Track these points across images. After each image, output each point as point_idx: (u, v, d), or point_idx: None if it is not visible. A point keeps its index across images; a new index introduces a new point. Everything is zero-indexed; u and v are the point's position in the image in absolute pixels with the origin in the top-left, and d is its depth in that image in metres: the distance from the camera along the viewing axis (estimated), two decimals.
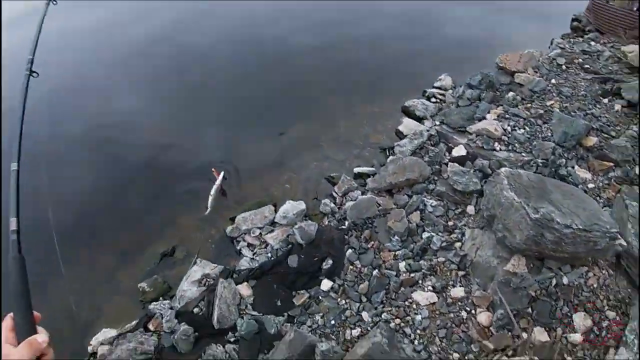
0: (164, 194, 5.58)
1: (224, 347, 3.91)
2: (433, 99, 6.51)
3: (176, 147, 6.22)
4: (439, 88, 6.71)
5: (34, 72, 2.45)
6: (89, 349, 4.11)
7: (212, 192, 5.18)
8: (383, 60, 7.62)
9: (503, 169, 4.31)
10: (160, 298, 4.43)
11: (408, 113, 6.28)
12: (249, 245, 4.76)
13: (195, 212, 5.22)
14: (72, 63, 8.63)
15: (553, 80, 6.34)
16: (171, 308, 4.27)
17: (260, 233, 4.79)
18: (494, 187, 4.20)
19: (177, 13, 10.54)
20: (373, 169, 5.43)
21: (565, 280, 3.68)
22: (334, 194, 5.18)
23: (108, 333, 4.14)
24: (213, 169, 5.35)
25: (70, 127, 6.79)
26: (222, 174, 5.33)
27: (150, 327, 4.14)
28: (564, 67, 6.66)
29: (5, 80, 5.67)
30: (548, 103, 5.88)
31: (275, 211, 4.97)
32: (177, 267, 4.69)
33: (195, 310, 4.23)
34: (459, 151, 5.27)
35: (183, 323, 4.08)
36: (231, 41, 9.08)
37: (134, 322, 4.21)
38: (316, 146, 5.87)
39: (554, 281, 3.68)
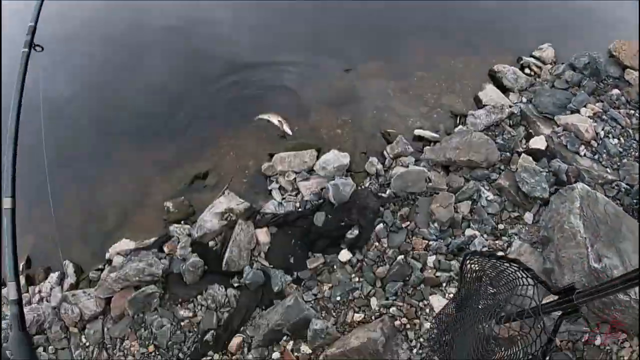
0: (217, 108, 5.25)
1: (226, 290, 3.82)
2: (527, 70, 5.41)
3: (246, 62, 5.66)
4: (537, 59, 5.51)
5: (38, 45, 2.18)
6: (107, 255, 4.18)
7: (271, 116, 4.88)
8: (483, 5, 6.23)
9: (580, 185, 3.60)
10: (182, 221, 4.33)
11: (494, 79, 5.30)
12: (281, 188, 4.44)
13: (240, 137, 4.93)
14: None
15: None
16: (189, 235, 4.16)
17: (295, 178, 4.43)
18: (562, 204, 3.53)
19: None
20: (437, 135, 4.72)
21: (598, 340, 3.11)
22: (385, 153, 4.60)
23: (126, 244, 4.16)
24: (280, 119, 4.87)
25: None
26: (287, 127, 4.84)
27: (165, 249, 4.07)
28: None
29: None
30: None
31: (317, 157, 4.55)
32: (205, 193, 4.50)
33: (211, 243, 4.09)
34: (538, 143, 4.43)
35: (195, 254, 3.99)
36: None
37: (152, 239, 4.17)
38: (382, 93, 5.15)
39: (585, 336, 3.13)
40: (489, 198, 4.12)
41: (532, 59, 5.49)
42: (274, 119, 4.79)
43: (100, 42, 6.09)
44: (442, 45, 5.68)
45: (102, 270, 4.11)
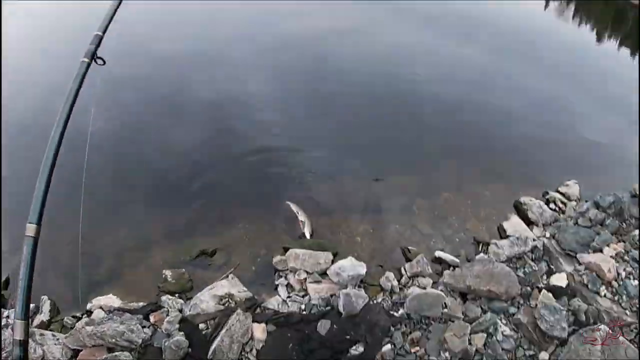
0: (242, 185, 5.28)
1: None
2: (552, 205, 5.41)
3: (278, 145, 5.88)
4: (563, 195, 5.56)
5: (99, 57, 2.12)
6: (88, 305, 3.81)
7: (298, 210, 4.82)
8: (514, 138, 6.61)
9: (602, 326, 3.38)
10: (177, 294, 4.01)
11: (519, 210, 5.28)
12: (289, 285, 4.16)
13: (258, 221, 4.82)
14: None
15: None
16: (180, 310, 3.81)
17: (306, 279, 4.15)
18: (581, 346, 3.22)
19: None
20: (457, 260, 4.52)
21: None
22: (403, 270, 4.38)
23: (111, 300, 3.83)
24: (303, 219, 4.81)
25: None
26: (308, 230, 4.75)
27: (152, 318, 3.69)
28: None
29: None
30: None
31: (333, 261, 4.30)
32: (208, 271, 4.25)
33: (202, 326, 3.70)
34: (560, 280, 4.22)
35: (182, 333, 3.59)
36: (366, 64, 8.69)
37: (140, 304, 3.83)
38: (407, 209, 5.09)
39: None
40: (505, 333, 3.77)
41: (557, 194, 5.55)
42: (300, 215, 4.69)
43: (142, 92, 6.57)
44: (471, 170, 5.80)
45: (79, 319, 3.69)
